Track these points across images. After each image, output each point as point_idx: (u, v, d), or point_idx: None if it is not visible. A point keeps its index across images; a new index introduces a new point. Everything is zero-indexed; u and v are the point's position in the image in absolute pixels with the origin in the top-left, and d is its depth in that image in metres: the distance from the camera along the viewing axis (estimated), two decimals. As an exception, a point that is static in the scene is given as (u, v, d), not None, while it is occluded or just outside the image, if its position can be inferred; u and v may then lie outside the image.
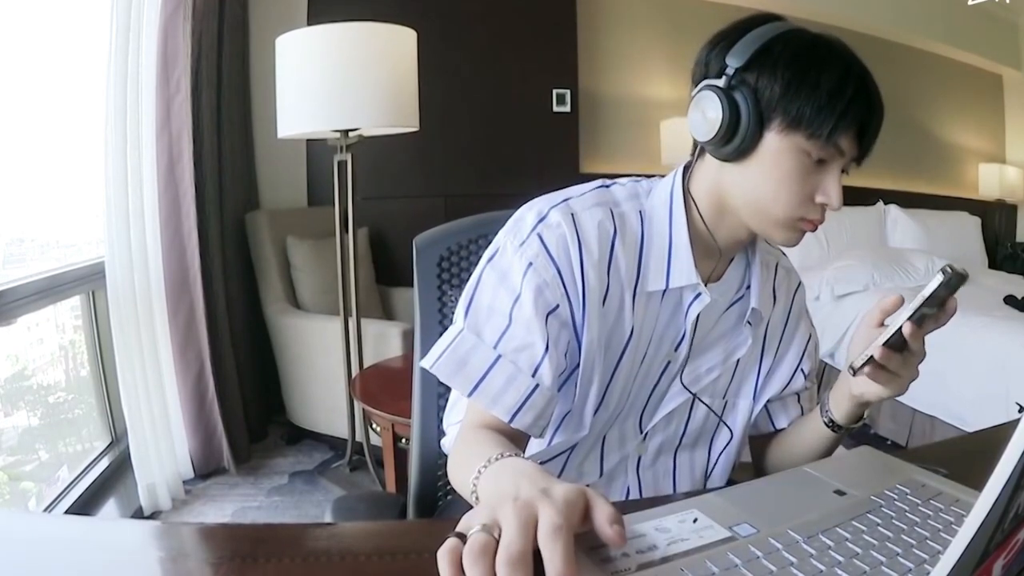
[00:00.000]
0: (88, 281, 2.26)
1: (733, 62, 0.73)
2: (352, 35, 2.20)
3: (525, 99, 3.58)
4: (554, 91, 3.61)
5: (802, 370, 0.92)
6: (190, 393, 2.45)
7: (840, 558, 0.50)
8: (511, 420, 0.75)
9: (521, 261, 0.77)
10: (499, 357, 0.75)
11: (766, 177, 0.74)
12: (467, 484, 0.63)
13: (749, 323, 0.86)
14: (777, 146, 0.73)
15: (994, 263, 4.34)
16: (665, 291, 0.81)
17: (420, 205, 3.36)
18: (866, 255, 3.59)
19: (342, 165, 2.37)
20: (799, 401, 0.94)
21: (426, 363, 0.78)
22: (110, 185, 2.12)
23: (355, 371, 2.45)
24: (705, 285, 0.81)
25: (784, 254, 0.94)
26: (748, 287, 0.87)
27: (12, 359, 2.11)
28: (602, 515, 0.46)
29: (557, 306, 0.77)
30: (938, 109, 4.45)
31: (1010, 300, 3.04)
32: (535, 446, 0.83)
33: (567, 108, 3.64)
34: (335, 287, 2.51)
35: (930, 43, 4.27)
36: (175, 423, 2.41)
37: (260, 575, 0.53)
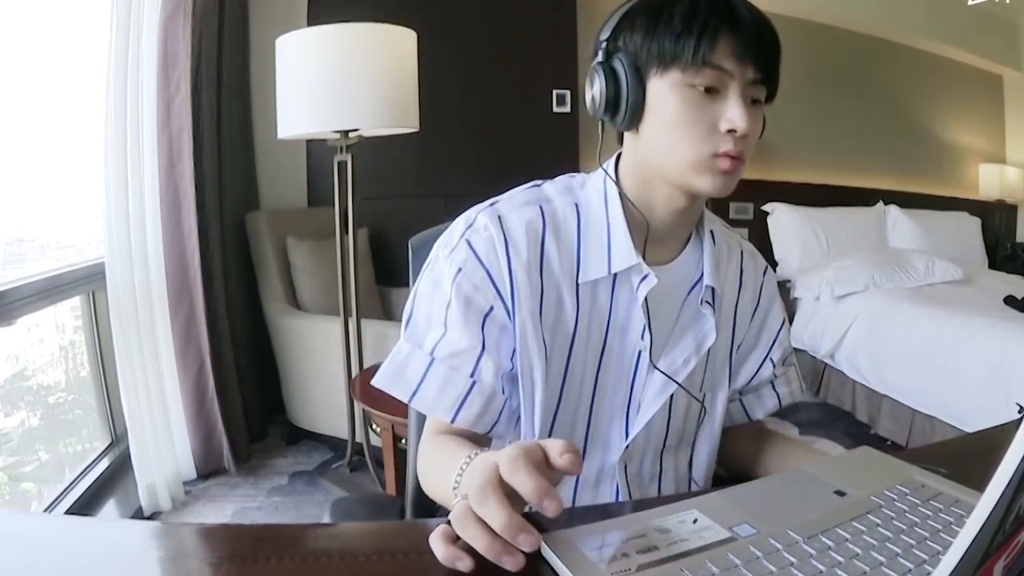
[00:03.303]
0: (88, 281, 2.26)
1: (602, 35, 0.76)
2: (352, 35, 2.20)
3: (525, 99, 3.57)
4: (554, 91, 3.61)
5: (771, 359, 0.91)
6: (190, 393, 2.45)
7: (840, 558, 0.50)
8: (453, 420, 0.77)
9: (451, 268, 0.78)
10: (432, 361, 0.78)
11: (663, 124, 0.74)
12: (446, 495, 0.63)
13: (708, 303, 0.83)
14: (660, 91, 0.74)
15: (994, 263, 4.33)
16: (615, 279, 0.80)
17: (420, 205, 3.35)
18: (866, 255, 3.59)
19: (342, 165, 2.37)
20: (774, 389, 0.93)
21: (375, 381, 0.81)
22: (110, 185, 2.12)
23: (355, 371, 2.45)
24: (656, 270, 0.79)
25: (744, 238, 0.93)
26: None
27: (12, 359, 2.11)
28: (554, 450, 0.50)
29: (491, 308, 0.77)
30: (938, 109, 4.44)
31: (1010, 300, 3.04)
32: None
33: (567, 108, 3.64)
34: (335, 287, 2.51)
35: (930, 43, 4.26)
36: (175, 423, 2.41)
37: (260, 575, 0.53)
